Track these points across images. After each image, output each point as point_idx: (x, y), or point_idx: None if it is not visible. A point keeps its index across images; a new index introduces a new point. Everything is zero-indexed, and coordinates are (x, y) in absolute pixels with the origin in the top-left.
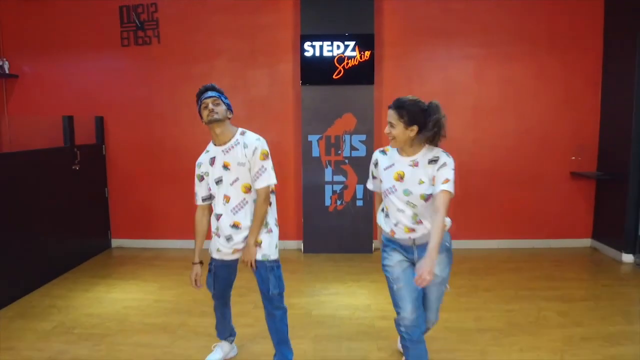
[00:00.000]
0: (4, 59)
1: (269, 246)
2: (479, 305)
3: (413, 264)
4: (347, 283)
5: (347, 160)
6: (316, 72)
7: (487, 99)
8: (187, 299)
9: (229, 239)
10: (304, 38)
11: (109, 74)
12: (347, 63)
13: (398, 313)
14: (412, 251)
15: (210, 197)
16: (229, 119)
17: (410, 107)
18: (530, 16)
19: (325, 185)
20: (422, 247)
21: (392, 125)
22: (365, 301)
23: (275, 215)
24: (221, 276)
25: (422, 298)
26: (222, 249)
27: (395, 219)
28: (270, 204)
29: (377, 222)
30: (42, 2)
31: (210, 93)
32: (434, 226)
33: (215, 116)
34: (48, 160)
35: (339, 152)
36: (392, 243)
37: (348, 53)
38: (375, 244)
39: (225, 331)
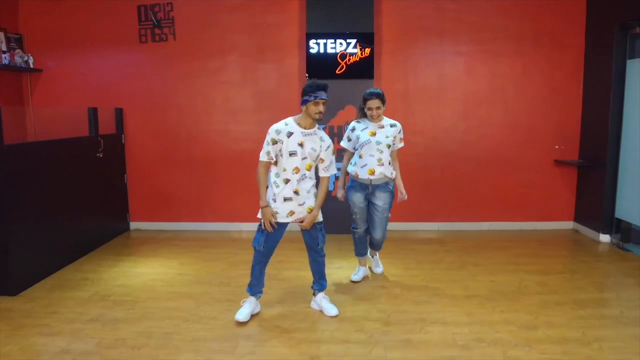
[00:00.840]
0: (29, 55)
1: (318, 213)
2: (467, 277)
3: (367, 199)
4: (350, 259)
5: None
6: (321, 67)
7: (476, 92)
8: (206, 273)
9: (287, 199)
10: (310, 36)
11: (127, 68)
12: (349, 59)
13: (355, 227)
14: (368, 188)
15: (275, 158)
16: None
17: (383, 95)
18: (517, 15)
19: None
20: (377, 186)
21: (379, 108)
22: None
23: None
24: (273, 237)
25: (371, 221)
26: (280, 212)
27: (364, 162)
28: None
29: (346, 171)
30: (65, 1)
31: (325, 95)
32: (397, 166)
33: (321, 117)
34: (76, 148)
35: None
36: (356, 183)
37: (350, 50)
38: None
39: (258, 286)
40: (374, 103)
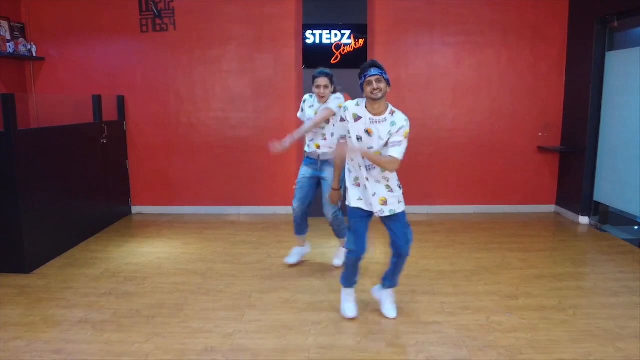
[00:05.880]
0: (32, 43)
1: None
2: (454, 254)
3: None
4: (332, 240)
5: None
6: (316, 57)
7: (464, 81)
8: (209, 251)
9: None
10: (306, 27)
11: (129, 57)
12: (344, 49)
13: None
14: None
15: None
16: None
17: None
18: (502, 8)
19: None
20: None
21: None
22: None
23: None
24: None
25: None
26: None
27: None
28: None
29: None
30: None
31: (373, 71)
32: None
33: (379, 94)
34: (82, 134)
35: None
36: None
37: (344, 41)
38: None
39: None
40: (322, 81)
